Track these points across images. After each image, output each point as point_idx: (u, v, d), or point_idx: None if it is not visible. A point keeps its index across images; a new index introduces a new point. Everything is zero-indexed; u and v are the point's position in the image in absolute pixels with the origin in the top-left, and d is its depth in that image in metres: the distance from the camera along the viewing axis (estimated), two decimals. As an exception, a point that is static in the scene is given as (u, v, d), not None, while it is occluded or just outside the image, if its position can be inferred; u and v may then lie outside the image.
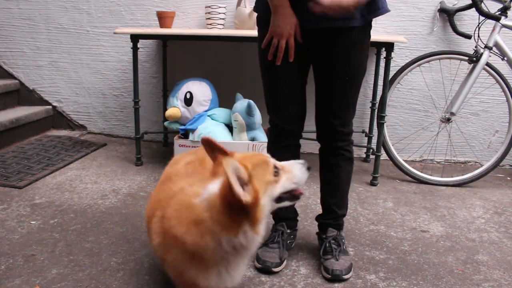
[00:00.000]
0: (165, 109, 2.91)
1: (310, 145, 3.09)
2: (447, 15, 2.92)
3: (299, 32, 1.52)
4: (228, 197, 1.00)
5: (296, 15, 1.49)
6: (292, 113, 1.67)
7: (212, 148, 1.15)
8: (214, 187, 1.06)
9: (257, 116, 2.59)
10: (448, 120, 2.73)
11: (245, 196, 1.00)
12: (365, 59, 1.63)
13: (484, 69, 2.66)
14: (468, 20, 2.94)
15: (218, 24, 2.88)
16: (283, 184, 1.15)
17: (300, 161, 1.22)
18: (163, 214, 1.15)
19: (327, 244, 1.74)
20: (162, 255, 1.18)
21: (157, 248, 1.19)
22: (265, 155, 1.16)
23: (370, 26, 1.60)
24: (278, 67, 1.55)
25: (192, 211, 1.06)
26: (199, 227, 1.04)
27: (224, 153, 1.14)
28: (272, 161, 1.15)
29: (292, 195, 1.19)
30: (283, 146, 1.72)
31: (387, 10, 1.58)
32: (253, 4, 1.69)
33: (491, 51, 2.63)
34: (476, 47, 2.66)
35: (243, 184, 1.01)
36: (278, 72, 1.60)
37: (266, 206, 1.08)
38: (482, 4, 2.61)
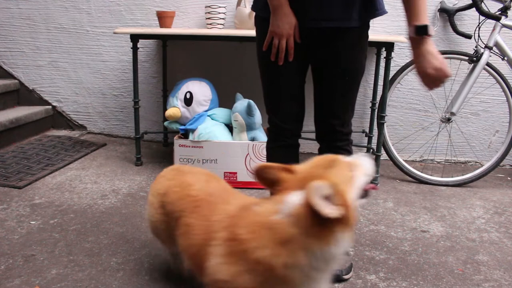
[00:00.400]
0: (165, 109, 2.91)
1: (309, 145, 3.09)
2: (447, 15, 2.92)
3: (297, 33, 1.52)
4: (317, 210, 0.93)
5: (295, 15, 1.49)
6: (291, 112, 1.67)
7: (270, 172, 1.07)
8: (294, 199, 0.98)
9: (257, 116, 2.58)
10: (448, 120, 2.73)
11: (336, 210, 0.93)
12: (363, 59, 1.63)
13: (484, 69, 2.66)
14: (468, 20, 2.94)
15: (218, 24, 2.88)
16: (360, 178, 1.07)
17: (362, 153, 1.16)
18: (231, 236, 1.05)
19: (327, 244, 1.73)
20: (222, 277, 1.05)
21: (215, 271, 1.07)
22: (332, 155, 1.10)
23: (368, 27, 1.60)
24: (277, 66, 1.55)
25: (276, 231, 0.97)
26: (288, 246, 0.96)
27: (287, 170, 1.07)
28: (342, 157, 1.10)
29: (365, 191, 1.10)
30: (282, 145, 1.71)
31: (385, 12, 1.59)
32: (253, 4, 1.69)
33: (491, 51, 2.63)
34: (476, 47, 2.66)
35: (330, 198, 0.94)
36: (277, 72, 1.60)
37: (354, 204, 1.01)
38: (482, 4, 2.61)
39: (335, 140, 1.68)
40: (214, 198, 1.27)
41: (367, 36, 1.62)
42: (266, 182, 1.08)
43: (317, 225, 0.95)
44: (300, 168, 1.07)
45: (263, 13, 1.55)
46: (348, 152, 1.71)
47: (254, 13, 1.67)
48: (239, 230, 1.03)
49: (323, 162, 1.06)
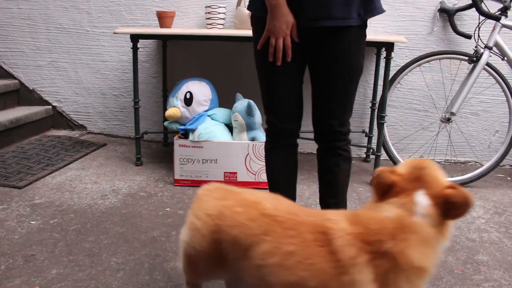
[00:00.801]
0: (165, 109, 2.91)
1: (309, 145, 3.09)
2: (447, 15, 2.92)
3: (295, 32, 1.52)
4: (446, 206, 1.06)
5: (293, 14, 1.49)
6: (289, 112, 1.67)
7: (384, 176, 1.12)
8: (423, 200, 1.06)
9: (257, 116, 2.58)
10: (448, 120, 2.73)
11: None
12: (362, 58, 1.63)
13: (484, 69, 2.66)
14: (468, 20, 2.94)
15: (218, 24, 2.88)
16: None
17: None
18: (376, 255, 1.01)
19: (327, 244, 1.73)
20: None
21: None
22: (422, 159, 1.18)
23: (365, 26, 1.60)
24: (275, 66, 1.55)
25: (420, 233, 1.03)
26: (431, 244, 1.04)
27: (393, 172, 1.12)
28: (428, 159, 1.18)
29: None
30: (281, 145, 1.71)
31: (383, 11, 1.59)
32: (253, 4, 1.68)
33: (491, 51, 2.63)
34: (476, 47, 2.66)
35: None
36: (275, 72, 1.59)
37: None
38: (482, 4, 2.61)
39: (334, 140, 1.67)
40: (303, 217, 1.11)
41: (365, 35, 1.62)
42: (381, 187, 1.14)
43: (444, 222, 1.06)
44: (401, 170, 1.13)
45: (260, 13, 1.55)
46: (347, 152, 1.71)
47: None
48: (385, 245, 1.01)
49: (420, 164, 1.12)
